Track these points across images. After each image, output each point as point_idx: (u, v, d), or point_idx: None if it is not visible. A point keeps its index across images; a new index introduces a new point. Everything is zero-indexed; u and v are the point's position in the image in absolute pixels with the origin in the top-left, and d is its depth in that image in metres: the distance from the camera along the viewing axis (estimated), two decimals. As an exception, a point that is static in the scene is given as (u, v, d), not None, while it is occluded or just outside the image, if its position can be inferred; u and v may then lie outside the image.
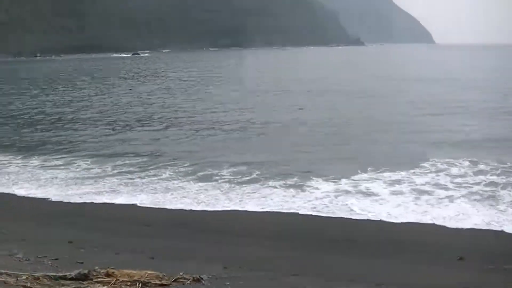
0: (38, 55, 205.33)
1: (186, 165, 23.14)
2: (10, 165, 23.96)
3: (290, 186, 19.59)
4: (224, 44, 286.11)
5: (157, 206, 17.49)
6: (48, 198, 18.43)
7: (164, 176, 21.44)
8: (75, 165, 23.76)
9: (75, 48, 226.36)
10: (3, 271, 8.02)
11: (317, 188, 19.24)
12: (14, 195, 18.82)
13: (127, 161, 24.16)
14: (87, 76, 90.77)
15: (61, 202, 18.05)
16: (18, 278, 7.76)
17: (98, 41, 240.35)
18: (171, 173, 21.78)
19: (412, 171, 21.24)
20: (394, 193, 18.53)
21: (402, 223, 15.61)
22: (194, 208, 17.16)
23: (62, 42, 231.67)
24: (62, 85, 72.65)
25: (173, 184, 20.22)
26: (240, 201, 18.06)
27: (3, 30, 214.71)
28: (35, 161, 24.67)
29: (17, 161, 24.77)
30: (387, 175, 20.72)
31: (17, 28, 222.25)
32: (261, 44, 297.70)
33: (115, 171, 22.36)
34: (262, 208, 17.12)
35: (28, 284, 7.53)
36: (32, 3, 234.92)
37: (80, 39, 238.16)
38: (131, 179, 21.03)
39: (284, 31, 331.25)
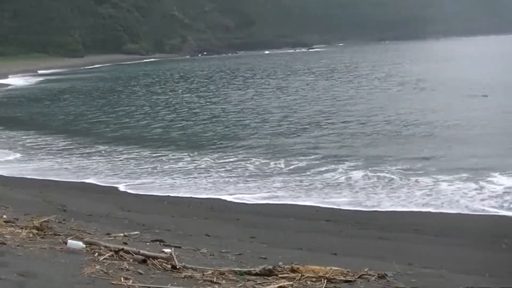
0: (205, 53, 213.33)
1: (357, 162, 23.21)
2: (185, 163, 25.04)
3: (466, 180, 19.14)
4: (396, 36, 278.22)
5: (330, 205, 17.63)
6: (221, 197, 19.06)
7: (335, 172, 21.64)
8: (249, 162, 24.32)
9: (243, 45, 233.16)
10: (189, 265, 8.38)
11: (497, 184, 18.56)
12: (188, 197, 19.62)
13: (302, 158, 24.50)
14: (265, 72, 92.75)
15: (231, 202, 18.59)
16: (204, 273, 8.04)
17: (268, 38, 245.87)
18: (343, 170, 21.88)
19: None
20: None
21: None
22: (363, 209, 17.17)
23: (227, 40, 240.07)
24: (237, 82, 75.17)
25: (343, 181, 20.37)
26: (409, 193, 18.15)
27: (170, 29, 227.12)
28: (207, 159, 25.58)
29: (189, 159, 25.81)
30: None
31: (186, 27, 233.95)
32: (433, 35, 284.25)
33: (288, 169, 22.80)
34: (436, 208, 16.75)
35: (214, 279, 7.74)
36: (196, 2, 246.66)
37: (248, 36, 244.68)
38: (306, 177, 21.31)
39: (458, 20, 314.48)
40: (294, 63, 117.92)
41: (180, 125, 37.83)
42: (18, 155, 27.34)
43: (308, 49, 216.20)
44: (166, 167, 24.09)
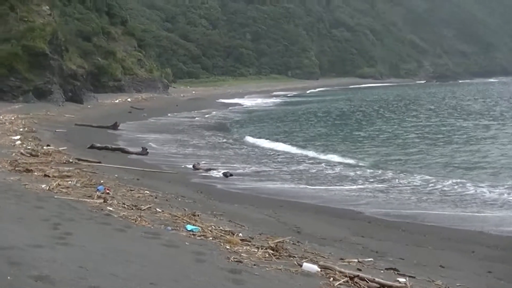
0: (435, 81, 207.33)
1: None
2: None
3: None
4: None
5: None
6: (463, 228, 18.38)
7: None
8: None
9: (480, 72, 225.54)
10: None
11: None
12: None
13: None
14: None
15: (470, 231, 17.82)
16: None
17: (507, 64, 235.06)
18: None
19: None
20: None
21: None
22: None
23: (464, 65, 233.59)
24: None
25: None
26: None
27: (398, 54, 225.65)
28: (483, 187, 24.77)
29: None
30: None
31: (415, 52, 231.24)
32: None
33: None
34: None
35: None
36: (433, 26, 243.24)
37: (486, 62, 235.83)
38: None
39: None
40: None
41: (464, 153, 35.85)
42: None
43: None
44: (432, 194, 23.58)
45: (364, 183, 25.93)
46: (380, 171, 28.80)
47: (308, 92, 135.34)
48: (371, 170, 29.08)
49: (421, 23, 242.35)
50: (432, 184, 25.32)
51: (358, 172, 28.63)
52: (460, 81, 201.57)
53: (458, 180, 25.88)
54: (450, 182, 25.57)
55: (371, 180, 26.68)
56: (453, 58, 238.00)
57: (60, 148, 26.47)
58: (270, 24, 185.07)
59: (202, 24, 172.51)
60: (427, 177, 26.96)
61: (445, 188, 24.43)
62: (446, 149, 37.44)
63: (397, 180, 26.52)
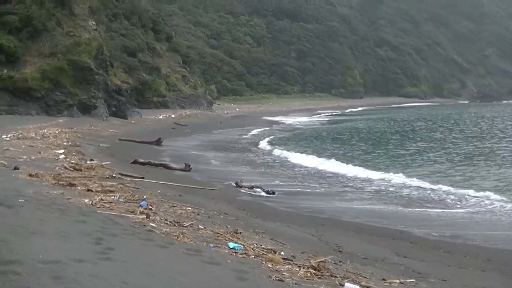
0: (478, 101, 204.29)
1: None
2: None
3: None
4: None
5: None
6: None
7: None
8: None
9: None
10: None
11: None
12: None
13: None
14: None
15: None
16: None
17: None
18: None
19: None
20: None
21: None
22: None
23: (508, 85, 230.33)
24: None
25: None
26: None
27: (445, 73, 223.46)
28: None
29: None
30: None
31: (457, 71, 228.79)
32: None
33: None
34: None
35: None
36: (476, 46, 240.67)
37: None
38: None
39: None
40: None
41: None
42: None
43: None
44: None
45: (408, 202, 25.81)
46: (424, 190, 28.62)
47: (347, 111, 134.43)
48: (411, 190, 28.95)
49: (465, 43, 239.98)
50: (477, 203, 25.10)
51: (403, 190, 28.62)
52: (504, 102, 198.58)
53: (506, 200, 25.58)
54: (498, 202, 25.24)
55: (415, 198, 26.61)
56: (496, 78, 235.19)
57: (104, 163, 26.70)
58: (314, 42, 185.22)
59: (247, 42, 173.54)
60: (473, 194, 26.73)
61: (493, 208, 24.16)
62: (497, 168, 37.16)
63: (440, 199, 26.27)
